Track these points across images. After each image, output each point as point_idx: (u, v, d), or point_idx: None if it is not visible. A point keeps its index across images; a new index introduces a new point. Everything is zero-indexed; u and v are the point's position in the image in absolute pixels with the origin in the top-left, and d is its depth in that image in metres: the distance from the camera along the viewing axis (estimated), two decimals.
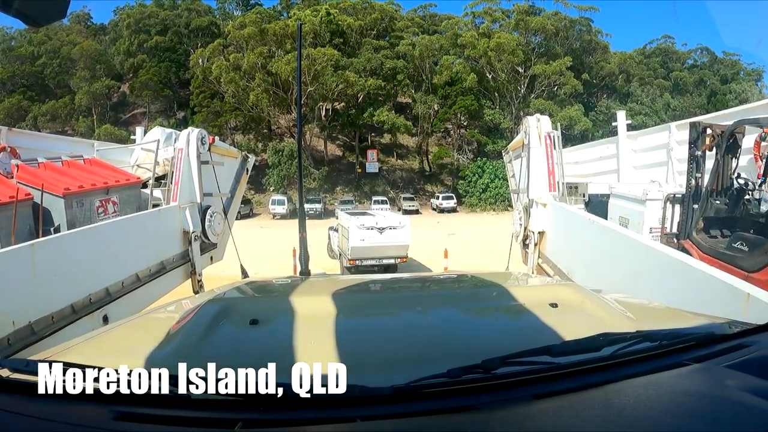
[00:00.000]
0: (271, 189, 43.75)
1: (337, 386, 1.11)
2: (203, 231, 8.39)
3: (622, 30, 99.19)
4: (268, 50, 43.46)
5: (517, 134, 9.01)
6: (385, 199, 43.13)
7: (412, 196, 46.76)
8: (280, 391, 1.11)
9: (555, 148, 7.48)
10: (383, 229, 15.70)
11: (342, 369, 1.16)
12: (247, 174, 11.41)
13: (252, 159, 11.77)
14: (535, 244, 7.19)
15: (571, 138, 48.26)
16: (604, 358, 1.27)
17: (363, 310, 2.11)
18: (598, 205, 9.93)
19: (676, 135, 9.11)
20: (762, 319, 1.53)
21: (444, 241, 23.57)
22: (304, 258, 5.30)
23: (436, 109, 49.73)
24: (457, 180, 48.94)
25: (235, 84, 42.89)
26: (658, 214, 8.07)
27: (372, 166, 48.80)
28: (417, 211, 43.58)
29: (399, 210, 43.24)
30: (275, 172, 43.43)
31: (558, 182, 7.35)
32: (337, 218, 18.21)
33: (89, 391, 1.14)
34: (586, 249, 5.61)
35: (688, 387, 1.19)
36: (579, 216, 6.28)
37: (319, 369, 1.18)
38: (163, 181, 8.62)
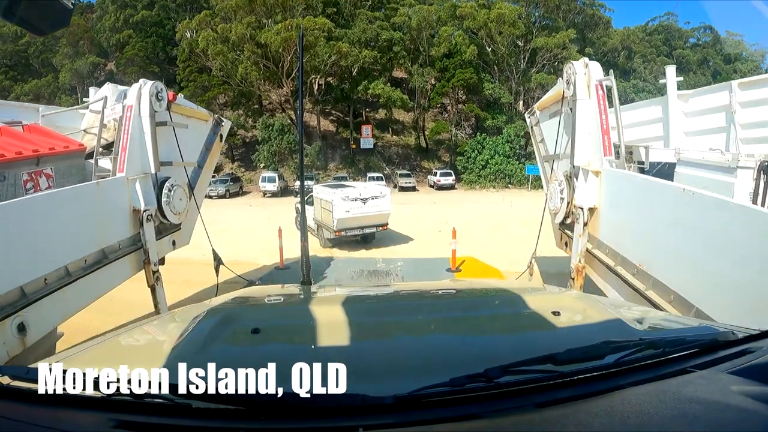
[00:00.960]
0: (261, 166, 41.89)
1: (338, 394, 1.11)
2: (159, 209, 6.99)
3: (624, 5, 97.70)
4: (257, 21, 41.08)
5: (525, 106, 7.38)
6: (381, 175, 41.30)
7: (409, 172, 44.98)
8: (280, 392, 1.12)
9: (609, 103, 6.03)
10: (366, 199, 16.37)
11: (344, 378, 1.21)
12: (221, 141, 9.72)
13: (228, 124, 10.10)
14: (584, 224, 5.72)
15: None
16: (608, 366, 1.26)
17: (365, 319, 2.02)
18: (658, 176, 8.22)
19: (739, 95, 7.54)
20: None
21: (444, 219, 22.04)
22: (306, 267, 5.02)
23: (433, 83, 47.94)
24: (455, 156, 47.30)
25: (223, 56, 40.72)
26: (750, 187, 6.09)
27: (367, 142, 46.89)
28: (414, 188, 42.01)
29: (395, 187, 41.66)
30: (265, 148, 41.61)
31: (615, 145, 5.89)
32: (314, 194, 18.31)
33: (87, 397, 1.14)
34: (677, 234, 4.16)
35: (692, 394, 1.18)
36: (662, 187, 4.75)
37: (320, 378, 1.21)
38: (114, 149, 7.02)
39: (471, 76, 45.39)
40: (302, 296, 2.83)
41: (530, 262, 9.09)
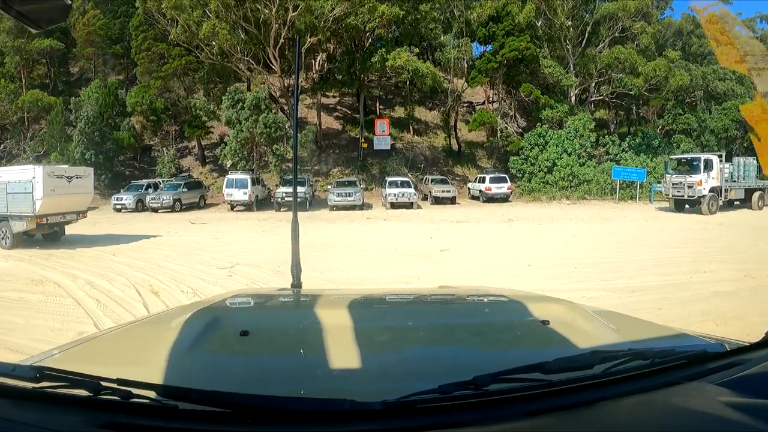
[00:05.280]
0: (228, 165, 28.59)
1: (326, 399, 1.10)
2: None
3: None
4: None
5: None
6: (408, 180, 28.21)
7: (444, 177, 31.93)
8: (268, 395, 1.10)
9: None
10: (72, 177, 14.94)
11: (332, 383, 1.29)
12: None
13: None
14: None
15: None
16: (596, 376, 1.25)
17: (354, 324, 1.85)
18: None
19: None
20: None
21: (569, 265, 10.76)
22: (296, 270, 4.42)
23: (470, 62, 35.59)
24: (503, 157, 34.76)
25: (179, 11, 28.55)
26: None
27: (382, 141, 34.00)
28: (453, 200, 29.04)
29: (426, 197, 28.73)
30: (233, 136, 28.01)
31: None
32: None
33: (73, 396, 1.13)
34: None
35: (679, 405, 1.18)
36: None
37: (308, 382, 1.29)
38: None
39: (527, 46, 32.78)
40: (292, 299, 2.76)
41: None
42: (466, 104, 41.53)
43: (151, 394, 1.08)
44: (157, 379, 1.18)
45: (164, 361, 1.40)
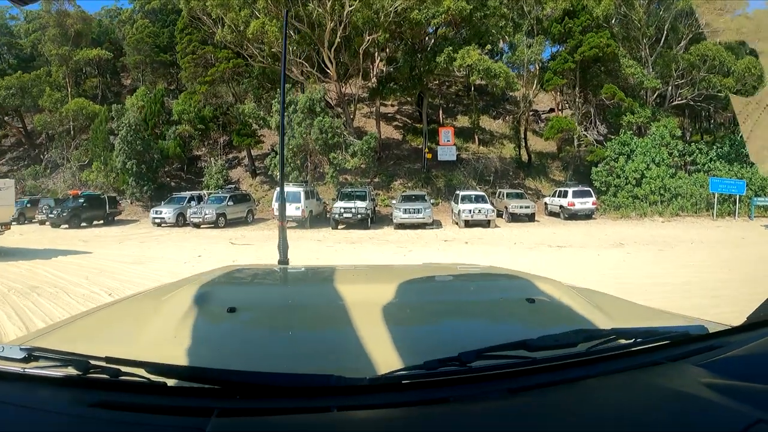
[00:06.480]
0: (278, 175, 25.49)
1: (313, 374, 1.12)
2: None
3: None
4: None
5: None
6: (482, 194, 24.68)
7: (521, 191, 28.25)
8: (256, 371, 1.13)
9: None
10: None
11: (319, 358, 1.33)
12: None
13: None
14: None
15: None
16: (580, 354, 1.28)
17: (340, 301, 1.86)
18: None
19: None
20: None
21: None
22: (284, 247, 5.00)
23: (543, 63, 32.01)
24: (579, 169, 30.98)
25: (227, 11, 26.11)
26: None
27: (447, 151, 30.76)
28: (532, 216, 25.40)
29: (502, 214, 25.21)
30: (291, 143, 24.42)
31: None
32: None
33: (62, 376, 1.16)
34: None
35: (660, 385, 1.20)
36: None
37: (296, 357, 1.33)
38: None
39: (608, 43, 29.05)
40: (280, 275, 2.84)
41: None
42: (531, 112, 37.99)
43: (140, 371, 1.09)
44: (146, 356, 1.15)
45: (152, 339, 1.43)
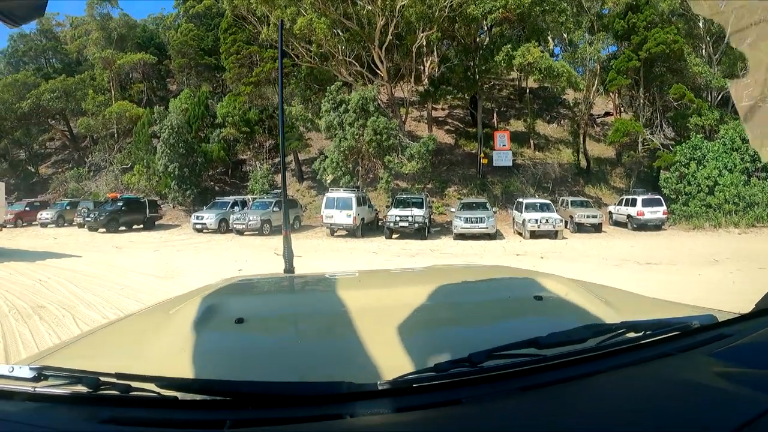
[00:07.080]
0: (328, 181, 23.66)
1: (323, 382, 1.11)
2: None
3: None
4: None
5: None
6: (548, 202, 22.97)
7: (586, 200, 26.28)
8: (266, 381, 1.14)
9: None
10: None
11: (329, 366, 1.31)
12: None
13: None
14: None
15: None
16: (590, 350, 1.27)
17: (347, 306, 1.86)
18: None
19: None
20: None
21: None
22: (289, 255, 5.02)
23: (605, 61, 30.07)
24: (642, 176, 29.12)
25: (273, 8, 25.03)
26: None
27: (503, 156, 29.20)
28: (599, 227, 23.50)
29: (566, 223, 23.34)
30: (334, 145, 23.19)
31: None
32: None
33: (73, 394, 1.14)
34: None
35: (672, 376, 1.21)
36: None
37: (305, 366, 1.31)
38: None
39: (675, 39, 26.97)
40: (286, 285, 2.81)
41: None
42: (588, 116, 36.03)
43: (151, 386, 1.09)
44: (156, 371, 1.15)
45: (162, 353, 1.42)
